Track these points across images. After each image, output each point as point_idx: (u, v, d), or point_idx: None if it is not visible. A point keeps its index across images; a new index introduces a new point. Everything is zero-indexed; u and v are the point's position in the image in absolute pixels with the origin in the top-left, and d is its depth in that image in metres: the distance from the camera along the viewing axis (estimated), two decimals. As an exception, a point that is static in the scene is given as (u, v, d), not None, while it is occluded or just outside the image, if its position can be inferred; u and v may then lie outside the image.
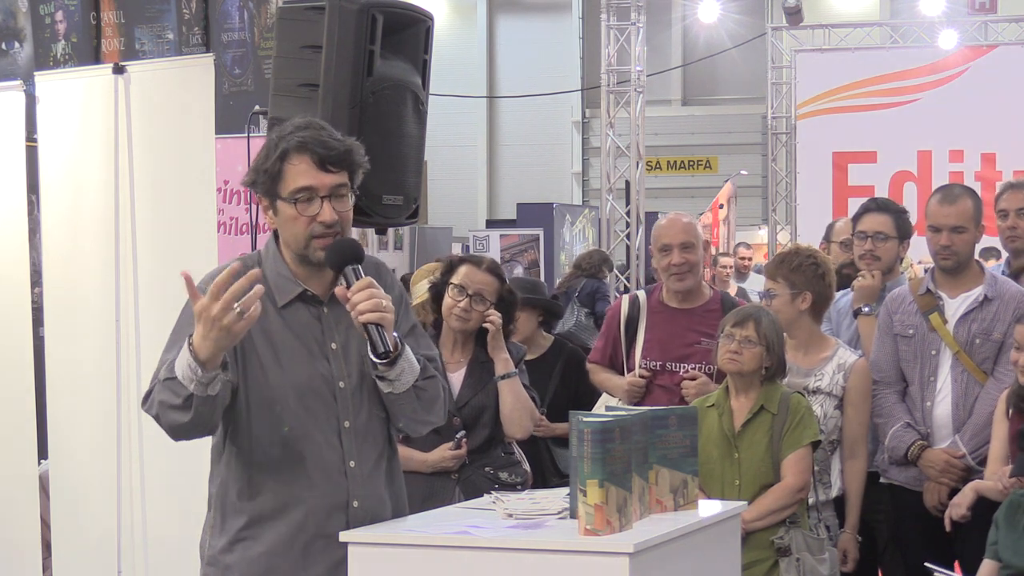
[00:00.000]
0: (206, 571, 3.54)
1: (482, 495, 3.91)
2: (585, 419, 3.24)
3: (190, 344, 3.21)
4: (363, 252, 3.47)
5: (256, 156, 3.52)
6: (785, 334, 5.19)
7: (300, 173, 3.42)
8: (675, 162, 27.21)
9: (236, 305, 3.16)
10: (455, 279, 5.18)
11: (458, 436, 5.07)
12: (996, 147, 15.32)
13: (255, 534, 3.45)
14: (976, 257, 5.51)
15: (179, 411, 3.28)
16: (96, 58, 10.17)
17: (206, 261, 5.45)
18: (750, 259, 15.00)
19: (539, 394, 5.48)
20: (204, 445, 3.55)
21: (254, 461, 3.45)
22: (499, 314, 5.16)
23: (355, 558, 3.30)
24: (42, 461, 6.31)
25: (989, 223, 5.60)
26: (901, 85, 15.82)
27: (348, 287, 3.39)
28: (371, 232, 10.07)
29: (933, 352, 5.32)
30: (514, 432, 5.18)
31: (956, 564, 5.10)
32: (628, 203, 15.33)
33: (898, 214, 5.96)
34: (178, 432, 3.35)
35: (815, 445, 5.01)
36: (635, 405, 5.26)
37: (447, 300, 5.18)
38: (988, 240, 6.04)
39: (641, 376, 5.63)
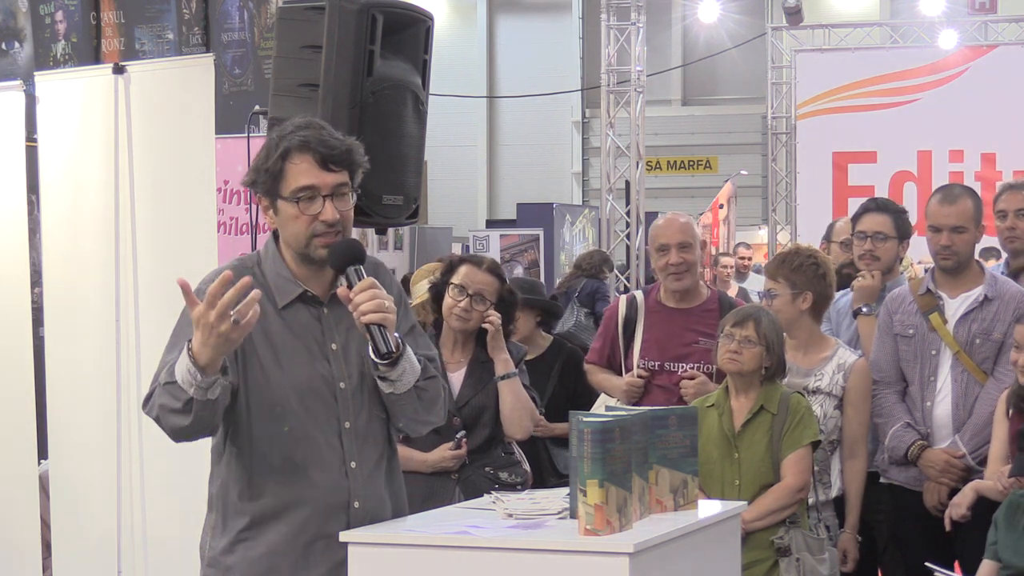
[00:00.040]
0: (207, 572, 3.54)
1: (482, 495, 3.91)
2: (585, 419, 3.24)
3: (189, 349, 3.21)
4: (365, 253, 3.47)
5: (256, 156, 3.52)
6: (785, 334, 5.19)
7: (302, 172, 3.42)
8: (675, 162, 27.21)
9: (232, 312, 3.16)
10: (455, 279, 5.18)
11: (458, 436, 5.07)
12: (996, 147, 15.31)
13: (256, 535, 3.45)
14: (976, 257, 5.51)
15: (179, 415, 3.28)
16: (96, 58, 10.17)
17: (206, 261, 5.45)
18: (750, 259, 15.00)
19: (537, 394, 5.48)
20: (204, 445, 3.55)
21: (255, 462, 3.45)
22: (499, 314, 5.16)
23: (355, 558, 3.30)
24: (42, 461, 6.31)
25: (989, 223, 5.60)
26: (901, 85, 15.81)
27: (350, 287, 3.39)
28: (371, 232, 10.07)
29: (933, 352, 5.32)
30: (514, 432, 5.19)
31: (956, 564, 5.10)
32: (628, 203, 15.33)
33: (897, 214, 5.96)
34: (179, 435, 3.35)
35: (815, 445, 5.01)
36: (633, 405, 5.26)
37: (447, 300, 5.18)
38: (988, 240, 6.04)
39: (639, 376, 5.63)
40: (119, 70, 5.99)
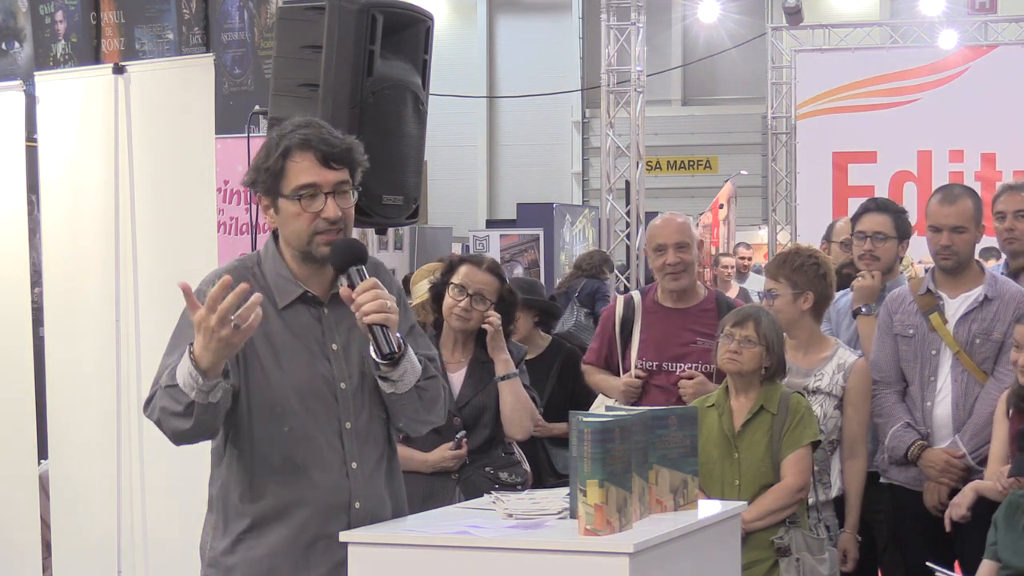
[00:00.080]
0: (207, 572, 3.54)
1: (482, 495, 3.91)
2: (585, 419, 3.24)
3: (191, 352, 3.21)
4: (367, 253, 3.48)
5: (256, 155, 3.52)
6: (785, 334, 5.19)
7: (303, 170, 3.42)
8: (675, 162, 27.20)
9: (233, 317, 3.16)
10: (455, 279, 5.18)
11: (458, 436, 5.07)
12: (996, 147, 15.30)
13: (257, 535, 3.45)
14: (976, 257, 5.51)
15: (180, 418, 3.28)
16: (96, 58, 10.17)
17: (206, 261, 5.45)
18: (750, 259, 15.00)
19: (536, 394, 5.48)
20: (204, 446, 3.54)
21: (256, 463, 3.45)
22: (498, 315, 5.16)
23: (355, 558, 3.30)
24: (42, 461, 6.31)
25: (989, 223, 5.60)
26: (901, 85, 15.81)
27: (352, 288, 3.39)
28: (371, 232, 10.06)
29: (933, 352, 5.32)
30: (514, 433, 5.19)
31: (956, 564, 5.10)
32: (628, 203, 15.33)
33: (897, 214, 5.96)
34: (180, 438, 3.34)
35: (815, 445, 5.01)
36: (632, 405, 5.26)
37: (447, 300, 5.18)
38: (988, 240, 6.04)
39: (637, 376, 5.63)
40: (119, 70, 5.99)
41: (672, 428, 3.53)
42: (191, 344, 3.22)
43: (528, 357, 5.89)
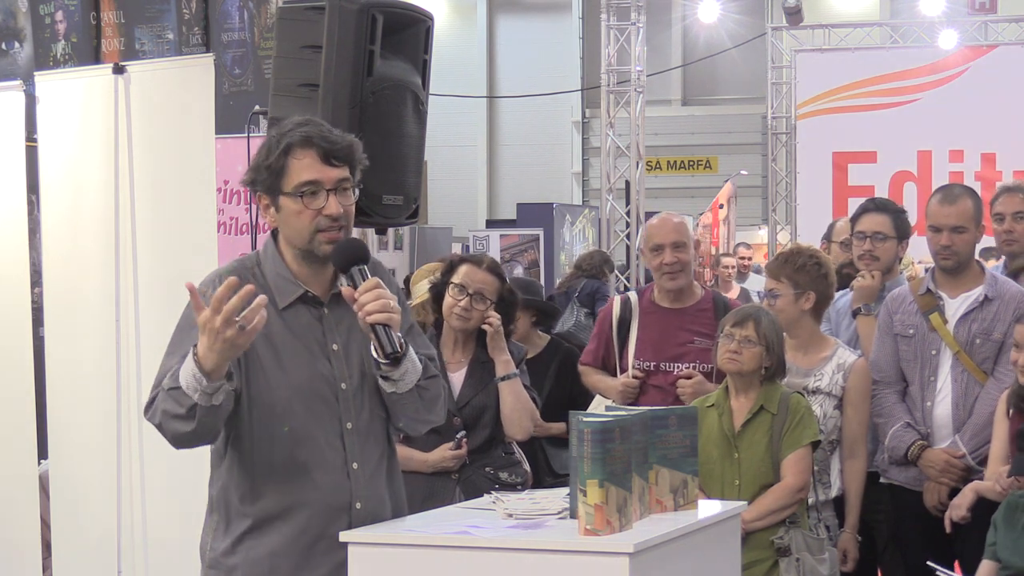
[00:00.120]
0: (208, 573, 3.53)
1: (482, 495, 3.90)
2: (585, 419, 3.24)
3: (195, 354, 3.21)
4: (369, 253, 3.48)
5: (255, 155, 3.52)
6: (785, 334, 5.20)
7: (305, 167, 3.42)
8: (675, 162, 27.20)
9: (238, 318, 3.16)
10: (455, 278, 5.18)
11: (458, 436, 5.07)
12: (996, 147, 15.30)
13: (258, 536, 3.45)
14: (976, 257, 5.51)
15: (183, 421, 3.27)
16: (96, 58, 10.17)
17: (206, 261, 5.45)
18: (750, 259, 14.99)
19: (536, 394, 5.48)
20: (205, 446, 3.54)
21: (257, 464, 3.44)
22: (498, 315, 5.16)
23: (355, 558, 3.30)
24: (42, 461, 6.31)
25: (989, 223, 5.61)
26: (901, 85, 15.80)
27: (354, 287, 3.39)
28: (371, 232, 10.07)
29: (933, 352, 5.32)
30: (514, 433, 5.19)
31: (956, 564, 5.10)
32: (628, 203, 15.33)
33: (897, 214, 5.96)
34: (181, 441, 3.34)
35: (815, 445, 5.02)
36: (629, 406, 5.26)
37: (447, 299, 5.18)
38: (988, 240, 6.05)
39: (634, 377, 5.64)
40: (119, 70, 6.00)
41: (672, 428, 3.53)
42: (195, 346, 3.22)
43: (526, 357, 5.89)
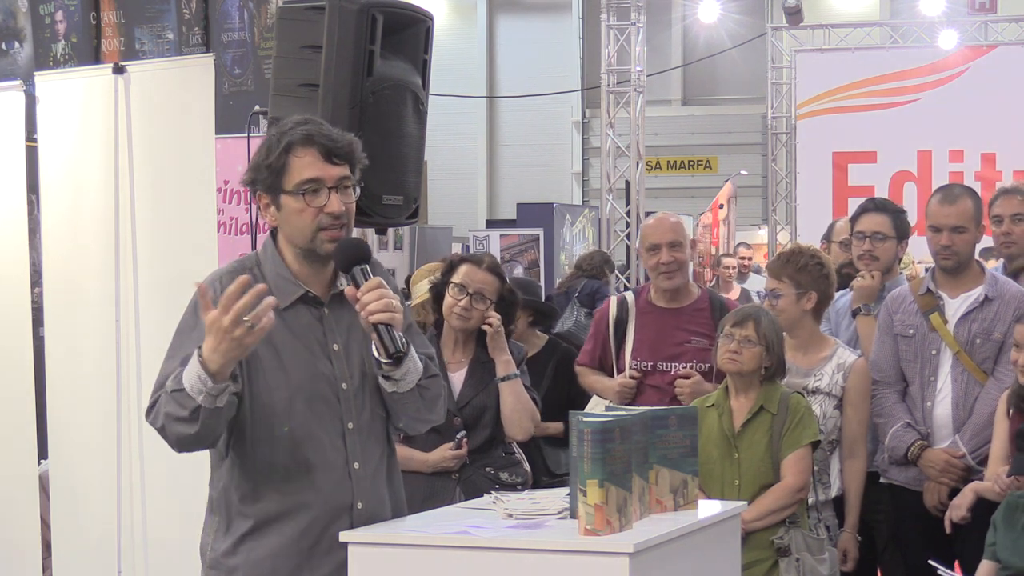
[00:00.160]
0: (209, 574, 3.52)
1: (482, 495, 3.90)
2: (585, 419, 3.24)
3: (199, 355, 3.21)
4: (370, 252, 3.48)
5: (255, 154, 3.51)
6: (786, 334, 5.20)
7: (306, 165, 3.42)
8: (675, 162, 27.19)
9: (246, 318, 3.16)
10: (455, 278, 5.18)
11: (459, 436, 5.07)
12: (996, 147, 15.29)
13: (260, 537, 3.44)
14: (976, 257, 5.51)
15: (185, 423, 3.26)
16: (96, 58, 10.17)
17: (206, 261, 5.46)
18: (750, 259, 14.99)
19: (536, 394, 5.48)
20: (204, 446, 3.54)
21: (258, 465, 3.44)
22: (498, 316, 5.16)
23: (355, 558, 3.30)
24: (42, 461, 6.31)
25: (989, 223, 5.61)
26: (901, 85, 15.79)
27: (357, 287, 3.39)
28: (371, 232, 10.07)
29: (933, 352, 5.32)
30: (514, 433, 5.19)
31: (956, 564, 5.10)
32: (628, 203, 15.33)
33: (896, 214, 5.96)
34: (183, 443, 3.33)
35: (815, 445, 5.02)
36: (626, 406, 5.26)
37: (448, 299, 5.18)
38: (988, 240, 6.05)
39: (631, 377, 5.64)
40: (119, 70, 6.00)
41: (672, 428, 3.53)
42: (200, 347, 3.22)
43: (523, 356, 5.90)
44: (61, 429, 6.15)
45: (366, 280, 3.39)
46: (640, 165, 15.13)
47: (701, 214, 18.70)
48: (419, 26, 5.08)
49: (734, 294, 12.55)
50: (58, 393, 6.15)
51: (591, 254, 12.97)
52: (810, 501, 5.07)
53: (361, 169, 3.52)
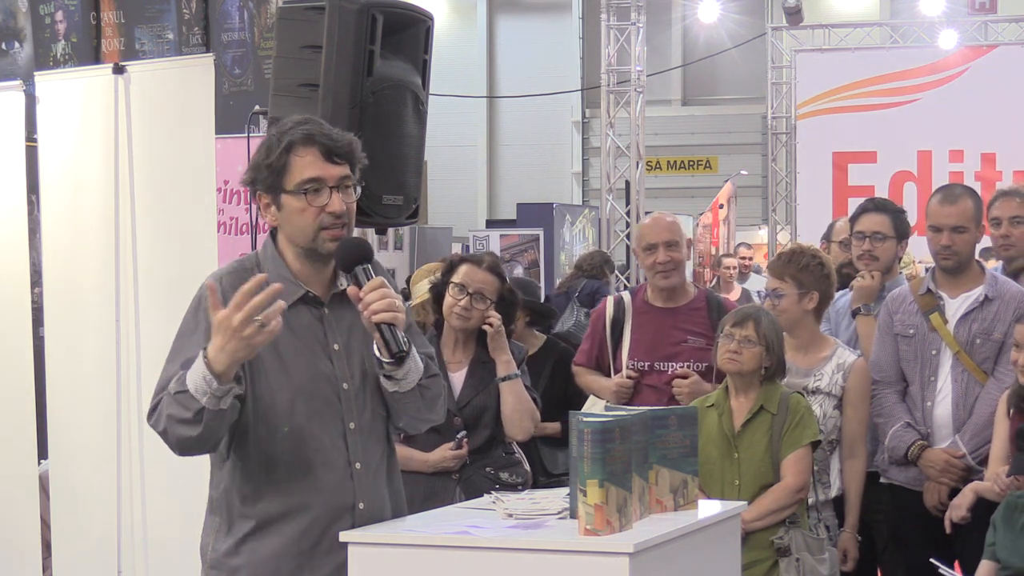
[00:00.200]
0: (210, 574, 3.52)
1: (483, 495, 3.90)
2: (585, 419, 3.24)
3: (205, 356, 3.21)
4: (372, 252, 3.48)
5: (255, 154, 3.51)
6: (786, 334, 5.20)
7: (308, 165, 3.42)
8: (675, 162, 27.19)
9: (258, 317, 3.16)
10: (455, 278, 5.18)
11: (459, 436, 5.07)
12: (996, 147, 15.29)
13: (262, 537, 3.44)
14: (976, 257, 5.51)
15: (188, 425, 3.26)
16: (96, 58, 10.17)
17: (206, 261, 5.46)
18: (751, 259, 14.98)
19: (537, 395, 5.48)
20: (205, 446, 3.54)
21: (260, 465, 3.43)
22: (499, 315, 5.16)
23: (355, 558, 3.30)
24: (42, 461, 6.31)
25: (988, 225, 5.61)
26: (901, 85, 15.79)
27: (359, 287, 3.39)
28: (371, 232, 10.07)
29: (933, 352, 5.32)
30: (515, 433, 5.19)
31: (956, 564, 5.10)
32: (628, 203, 15.32)
33: (896, 214, 5.96)
34: (185, 446, 3.33)
35: (815, 445, 5.02)
36: (623, 406, 5.26)
37: (448, 299, 5.18)
38: (988, 240, 6.05)
39: (628, 377, 5.65)
40: (119, 70, 6.00)
41: (672, 428, 3.53)
42: (205, 349, 3.21)
43: (521, 356, 5.90)
44: (61, 429, 6.15)
45: (368, 279, 3.39)
46: (640, 165, 15.13)
47: (701, 214, 18.70)
48: (419, 26, 5.08)
49: (735, 294, 12.54)
50: (58, 393, 6.15)
51: (591, 254, 12.97)
52: (810, 501, 5.07)
53: (361, 169, 3.52)
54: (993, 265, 6.22)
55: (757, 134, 24.72)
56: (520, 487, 5.12)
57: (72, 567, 6.14)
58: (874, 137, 15.60)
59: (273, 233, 3.54)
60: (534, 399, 5.24)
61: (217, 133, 5.87)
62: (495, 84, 28.40)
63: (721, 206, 18.75)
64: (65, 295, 6.12)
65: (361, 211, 4.48)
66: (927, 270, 5.88)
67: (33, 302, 6.32)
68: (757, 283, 13.04)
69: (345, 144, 3.46)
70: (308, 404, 3.44)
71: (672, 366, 5.62)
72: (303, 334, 3.47)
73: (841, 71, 16.00)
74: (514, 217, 19.97)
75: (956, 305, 5.34)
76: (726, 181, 20.23)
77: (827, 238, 7.72)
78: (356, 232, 3.59)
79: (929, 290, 5.38)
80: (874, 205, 6.05)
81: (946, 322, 5.31)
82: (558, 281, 14.09)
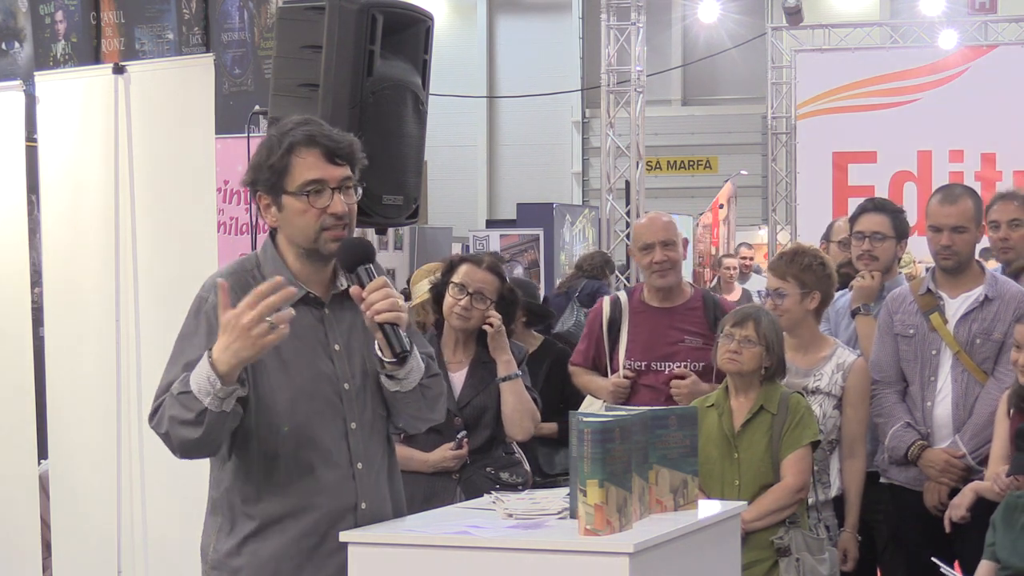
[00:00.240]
0: (211, 574, 3.52)
1: (483, 495, 3.90)
2: (585, 419, 3.24)
3: (209, 356, 3.20)
4: (374, 252, 3.48)
5: (255, 154, 3.51)
6: (786, 334, 5.20)
7: (309, 166, 3.42)
8: (675, 162, 27.18)
9: (270, 318, 3.16)
10: (455, 278, 5.18)
11: (459, 436, 5.07)
12: (996, 147, 15.28)
13: (264, 537, 3.44)
14: (976, 257, 5.51)
15: (191, 427, 3.26)
16: (96, 58, 10.17)
17: (206, 261, 5.46)
18: (751, 259, 14.98)
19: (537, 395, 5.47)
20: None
21: (262, 466, 3.43)
22: (499, 315, 5.16)
23: (355, 558, 3.30)
24: (42, 461, 6.31)
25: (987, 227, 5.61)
26: (901, 85, 15.79)
27: (362, 287, 3.39)
28: (371, 232, 10.07)
29: (933, 352, 5.32)
30: (515, 433, 5.19)
31: (956, 564, 5.10)
32: (628, 203, 15.33)
33: (895, 214, 5.96)
34: (186, 449, 3.33)
35: (815, 445, 5.02)
36: (621, 406, 5.27)
37: (448, 299, 5.18)
38: (988, 240, 6.05)
39: (625, 377, 5.65)
40: (119, 70, 6.00)
41: (672, 428, 3.53)
42: (210, 349, 3.21)
43: (519, 357, 5.90)
44: (61, 429, 6.15)
45: (371, 279, 3.39)
46: (640, 165, 15.13)
47: (701, 214, 18.70)
48: (419, 26, 5.08)
49: (735, 294, 12.54)
50: (58, 393, 6.15)
51: (591, 254, 12.98)
52: (810, 501, 5.08)
53: (361, 169, 3.52)
54: (993, 265, 6.22)
55: (757, 134, 24.72)
56: (520, 487, 5.12)
57: (72, 567, 6.14)
58: (874, 137, 15.60)
59: (273, 233, 3.54)
60: (534, 399, 5.24)
61: (217, 133, 5.87)
62: (495, 84, 28.40)
63: (721, 206, 18.75)
64: (65, 295, 6.12)
65: (361, 211, 4.46)
66: (927, 270, 5.88)
67: (33, 302, 6.32)
68: (757, 283, 13.04)
69: (346, 145, 3.46)
70: (309, 404, 3.44)
71: (669, 366, 5.62)
72: (304, 334, 3.46)
73: (841, 71, 15.99)
74: (514, 217, 19.96)
75: (956, 305, 5.34)
76: (726, 181, 20.23)
77: (826, 238, 7.71)
78: (356, 232, 3.59)
79: (929, 290, 5.38)
80: (873, 205, 6.05)
81: (946, 322, 5.31)
82: (558, 281, 14.09)
